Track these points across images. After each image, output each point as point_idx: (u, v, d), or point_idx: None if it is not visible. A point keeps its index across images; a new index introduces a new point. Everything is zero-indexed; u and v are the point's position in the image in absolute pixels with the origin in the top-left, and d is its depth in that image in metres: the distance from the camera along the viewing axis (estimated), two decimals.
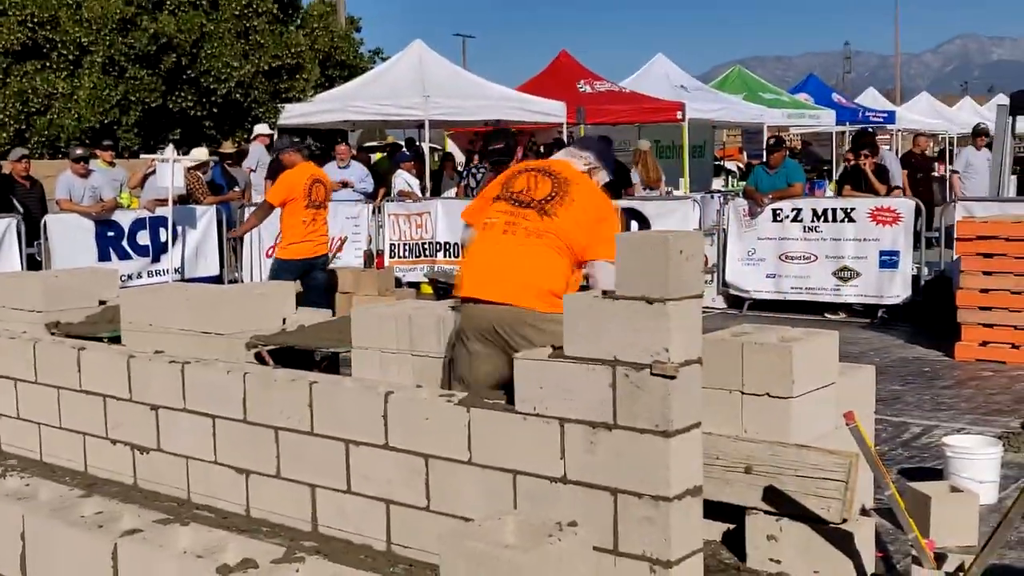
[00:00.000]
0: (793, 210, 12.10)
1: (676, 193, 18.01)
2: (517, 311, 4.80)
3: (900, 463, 6.18)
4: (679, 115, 19.16)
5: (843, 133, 29.91)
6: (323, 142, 21.86)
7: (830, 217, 11.87)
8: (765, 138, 23.21)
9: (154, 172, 12.62)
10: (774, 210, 12.19)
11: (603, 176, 5.17)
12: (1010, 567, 4.58)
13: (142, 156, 14.57)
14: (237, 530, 3.73)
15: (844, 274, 11.74)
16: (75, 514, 3.35)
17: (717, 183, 25.13)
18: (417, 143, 20.52)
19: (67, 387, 6.00)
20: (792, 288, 12.12)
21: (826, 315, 11.82)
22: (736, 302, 12.51)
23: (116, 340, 6.82)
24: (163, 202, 12.28)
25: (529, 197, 4.96)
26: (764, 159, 14.69)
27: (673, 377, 3.79)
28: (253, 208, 13.62)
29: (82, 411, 5.92)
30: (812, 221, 11.97)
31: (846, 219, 11.76)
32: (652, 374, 3.82)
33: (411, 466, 4.52)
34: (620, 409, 3.91)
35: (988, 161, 12.76)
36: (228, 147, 15.16)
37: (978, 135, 12.86)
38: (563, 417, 4.06)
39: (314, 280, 10.11)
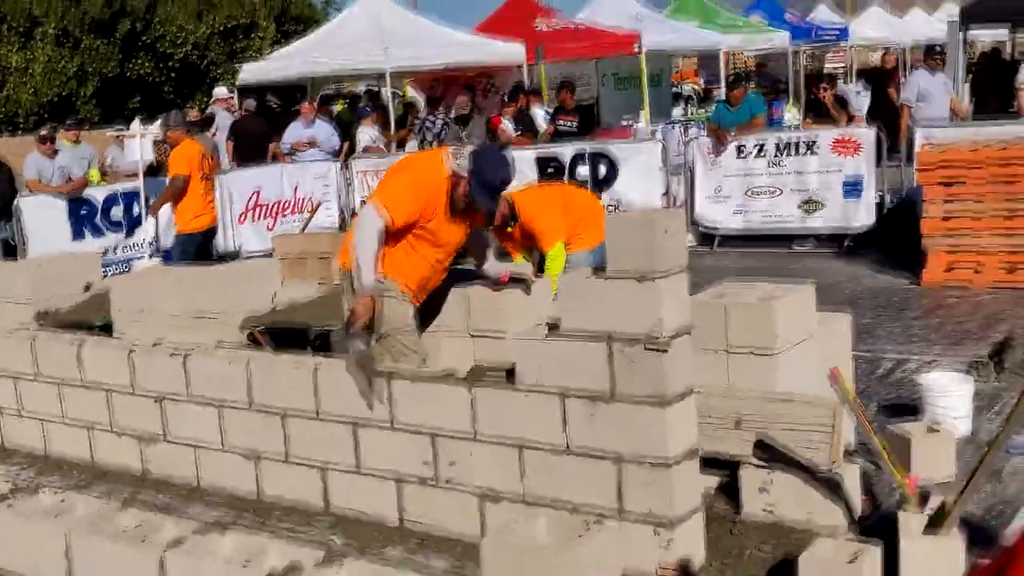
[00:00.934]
0: (757, 145, 12.28)
1: (638, 126, 18.11)
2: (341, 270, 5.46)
3: (878, 399, 6.43)
4: (636, 47, 19.19)
5: (797, 52, 30.01)
6: (280, 98, 21.77)
7: (793, 150, 12.05)
8: (722, 63, 23.32)
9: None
10: (738, 146, 12.36)
11: (462, 167, 5.16)
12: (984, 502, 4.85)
13: (108, 132, 14.53)
14: (269, 533, 3.91)
15: (809, 206, 11.96)
16: (115, 527, 3.51)
17: (677, 111, 25.20)
18: (376, 90, 20.45)
19: (69, 381, 6.15)
20: (760, 222, 12.34)
21: (794, 246, 12.03)
22: (706, 238, 12.71)
23: (107, 327, 6.94)
24: (134, 176, 12.32)
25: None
26: (724, 94, 14.82)
27: (666, 351, 4.00)
28: (221, 173, 13.70)
29: (86, 404, 6.07)
30: (776, 155, 12.16)
31: (808, 152, 11.94)
32: (646, 348, 4.03)
33: (418, 443, 4.73)
34: (618, 381, 4.13)
35: (945, 85, 12.76)
36: (194, 115, 15.11)
37: (932, 56, 12.81)
38: (563, 391, 4.27)
39: (208, 249, 11.11)
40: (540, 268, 6.96)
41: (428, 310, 5.53)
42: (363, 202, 5.46)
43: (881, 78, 19.52)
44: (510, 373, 4.53)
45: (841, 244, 11.78)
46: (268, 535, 3.44)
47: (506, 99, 15.21)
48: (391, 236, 5.13)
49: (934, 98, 12.33)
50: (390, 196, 5.15)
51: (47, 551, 3.64)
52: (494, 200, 5.34)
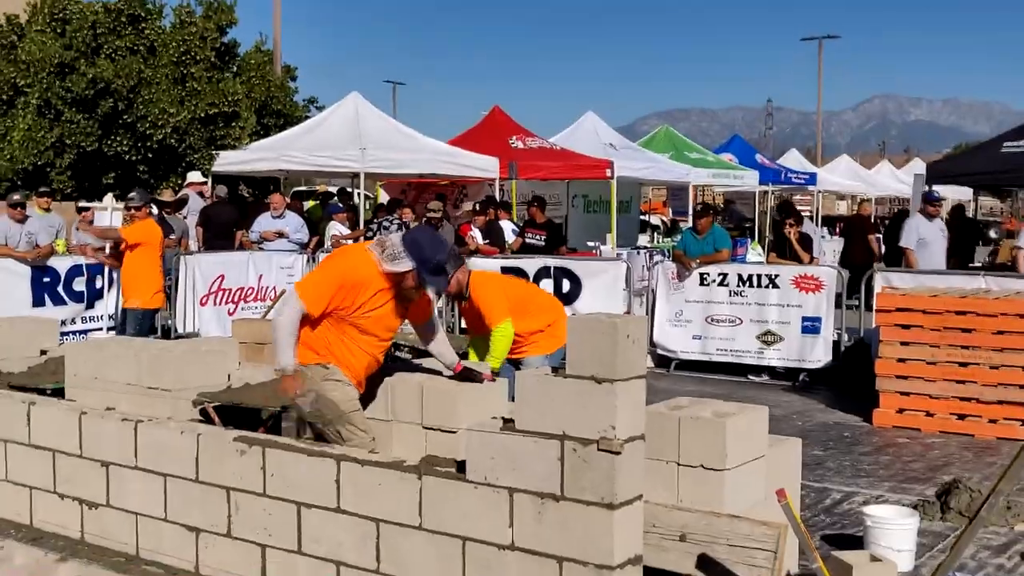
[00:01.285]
0: (720, 275, 12.48)
1: (604, 249, 18.37)
2: None
3: (822, 529, 6.46)
4: (608, 172, 19.59)
5: (766, 192, 30.67)
6: (255, 188, 21.91)
7: (755, 282, 12.27)
8: (690, 195, 23.79)
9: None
10: (701, 274, 12.56)
11: (402, 264, 5.31)
12: None
13: (80, 204, 14.56)
14: None
15: (768, 338, 12.13)
16: None
17: (643, 239, 25.60)
18: (349, 190, 20.66)
19: (15, 440, 6.08)
20: (718, 350, 12.47)
21: (750, 376, 12.17)
22: (663, 361, 12.83)
23: (59, 392, 6.89)
24: (101, 250, 12.32)
25: None
26: (691, 222, 15.08)
27: (619, 453, 4.04)
28: (188, 254, 13.74)
29: (30, 465, 5.99)
30: (738, 286, 12.36)
31: (770, 285, 12.16)
32: (599, 449, 4.06)
33: (362, 529, 4.71)
34: (568, 481, 4.15)
35: (943, 232, 13.00)
36: (168, 196, 15.20)
37: (931, 203, 13.04)
38: (512, 487, 4.28)
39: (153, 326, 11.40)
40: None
41: (364, 398, 5.62)
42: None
43: (856, 225, 20.08)
44: (461, 466, 4.54)
45: (796, 379, 11.93)
46: None
47: (477, 208, 15.41)
48: (326, 324, 5.38)
49: (931, 243, 12.63)
50: (308, 285, 5.48)
51: None
52: (444, 278, 5.48)
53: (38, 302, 11.96)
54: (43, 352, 7.74)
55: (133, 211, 11.07)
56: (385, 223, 15.60)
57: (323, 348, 5.42)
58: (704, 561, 4.74)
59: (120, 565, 5.35)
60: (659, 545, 4.80)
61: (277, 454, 4.97)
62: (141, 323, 10.67)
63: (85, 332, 12.15)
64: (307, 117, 20.51)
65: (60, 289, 12.26)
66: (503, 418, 4.50)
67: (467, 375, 5.72)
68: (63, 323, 11.41)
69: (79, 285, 12.40)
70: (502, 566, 4.29)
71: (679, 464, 4.97)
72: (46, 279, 12.14)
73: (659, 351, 12.94)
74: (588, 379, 4.09)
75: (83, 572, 3.53)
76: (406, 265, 5.30)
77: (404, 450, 5.43)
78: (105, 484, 5.62)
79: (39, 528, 5.89)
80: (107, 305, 12.29)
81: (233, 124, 18.60)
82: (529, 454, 4.22)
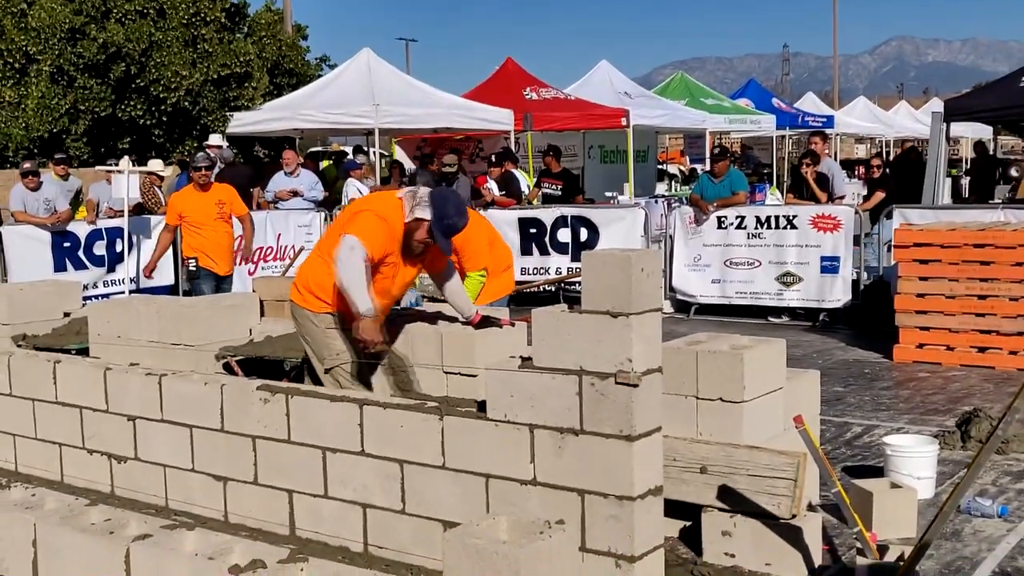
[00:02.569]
0: (737, 217, 12.46)
1: (622, 199, 18.35)
2: (290, 305, 5.81)
3: (843, 461, 6.51)
4: (623, 121, 19.51)
5: (783, 137, 30.52)
6: (271, 149, 21.93)
7: (773, 224, 12.24)
8: (707, 143, 23.66)
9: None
10: (719, 217, 12.54)
11: (424, 212, 5.40)
12: (944, 558, 4.90)
13: (96, 168, 14.60)
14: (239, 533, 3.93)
15: (787, 279, 12.13)
16: (84, 521, 3.54)
17: (661, 187, 25.53)
18: (365, 149, 20.66)
19: (42, 399, 6.16)
20: (737, 293, 12.48)
21: (769, 319, 12.18)
22: (683, 307, 12.85)
23: (84, 352, 6.97)
24: (119, 212, 12.39)
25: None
26: (708, 166, 15.04)
27: (636, 385, 4.07)
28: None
29: (58, 422, 6.07)
30: (756, 228, 12.34)
31: (788, 226, 12.13)
32: (616, 383, 4.10)
33: (387, 471, 4.76)
34: (586, 415, 4.19)
35: None
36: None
37: None
38: (532, 423, 4.33)
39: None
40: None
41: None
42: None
43: (909, 163, 20.00)
44: (481, 406, 4.59)
45: (816, 319, 11.94)
46: (232, 535, 3.46)
47: (493, 160, 15.40)
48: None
49: None
50: (364, 231, 5.34)
51: (14, 542, 3.66)
52: (449, 241, 5.57)
53: (59, 267, 12.04)
54: (66, 315, 7.82)
55: (204, 170, 11.04)
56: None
57: (335, 298, 5.47)
58: (724, 492, 4.79)
59: (128, 505, 5.43)
60: (679, 478, 4.86)
61: (300, 401, 5.02)
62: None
63: (107, 296, 12.22)
64: (319, 76, 20.49)
65: (81, 254, 12.34)
66: (521, 357, 4.54)
67: (485, 323, 5.76)
68: (85, 287, 11.48)
69: (99, 249, 12.47)
70: (525, 501, 4.35)
71: (698, 398, 5.02)
72: (67, 244, 12.22)
73: (678, 296, 12.96)
74: (604, 314, 4.12)
75: (113, 515, 3.61)
76: (426, 214, 5.38)
77: (425, 391, 5.48)
78: (132, 438, 5.69)
79: (70, 484, 5.98)
80: (128, 269, 12.35)
81: (246, 85, 18.62)
82: (547, 390, 4.26)
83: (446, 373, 5.60)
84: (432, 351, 5.70)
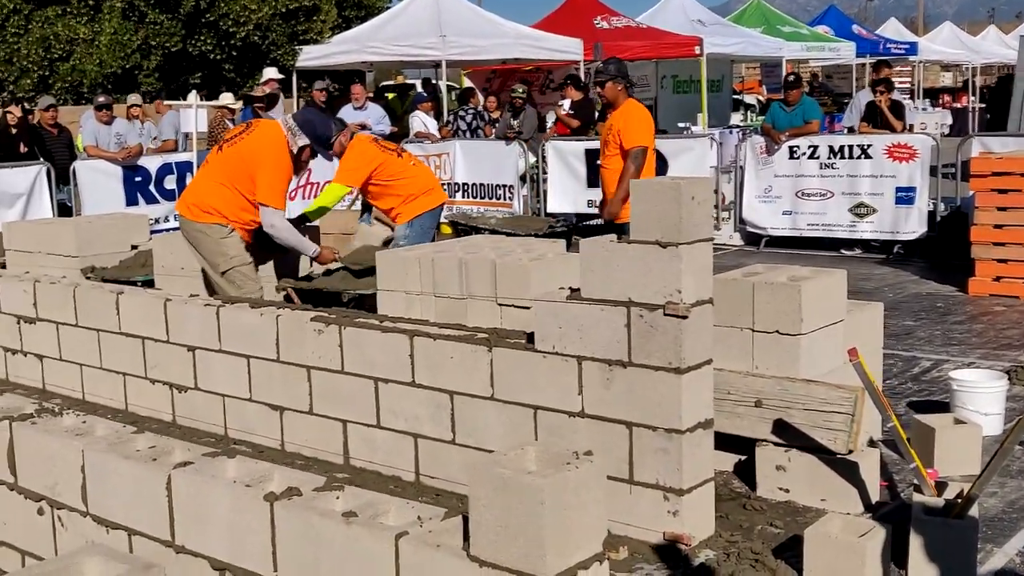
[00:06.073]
0: (810, 147, 12.17)
1: (695, 129, 18.06)
2: (182, 220, 6.56)
3: (908, 396, 6.36)
4: (697, 50, 19.12)
5: (863, 66, 29.74)
6: (341, 83, 21.92)
7: (846, 154, 11.94)
8: (783, 71, 23.14)
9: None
10: (791, 147, 12.27)
11: (300, 140, 6.39)
12: (1008, 496, 4.78)
13: (166, 103, 14.72)
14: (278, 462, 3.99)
15: (860, 210, 11.85)
16: (130, 448, 3.59)
17: (736, 118, 25.07)
18: (434, 82, 20.56)
19: (107, 329, 6.27)
20: (808, 225, 12.23)
21: (842, 251, 11.93)
22: (753, 239, 12.64)
23: (149, 284, 7.08)
24: (133, 151, 12.45)
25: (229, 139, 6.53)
26: (782, 95, 14.71)
27: (685, 317, 4.00)
28: None
29: (121, 352, 6.18)
30: (828, 158, 12.05)
31: (862, 156, 11.82)
32: (665, 314, 4.03)
33: (437, 402, 4.77)
34: (635, 347, 4.13)
35: None
36: (259, 91, 15.26)
37: None
38: (580, 355, 4.28)
39: None
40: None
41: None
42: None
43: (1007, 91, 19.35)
44: (531, 338, 4.55)
45: (890, 251, 11.67)
46: (272, 463, 3.49)
47: (567, 82, 15.29)
48: (233, 193, 6.30)
49: None
50: (273, 191, 6.33)
51: (64, 467, 3.73)
52: (330, 148, 6.79)
53: (131, 201, 12.20)
54: (134, 247, 7.92)
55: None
56: (461, 112, 15.55)
57: (231, 214, 6.31)
58: (780, 426, 4.71)
59: (189, 434, 5.53)
60: (733, 412, 4.78)
61: (353, 332, 5.03)
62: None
63: (177, 230, 12.39)
64: (388, 7, 20.38)
65: (152, 188, 12.49)
66: (571, 288, 4.48)
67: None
68: (156, 221, 11.65)
69: (170, 183, 12.60)
70: (573, 433, 4.32)
71: (754, 331, 4.91)
72: (137, 178, 12.37)
73: (748, 228, 12.75)
74: (652, 244, 4.04)
75: (158, 443, 3.66)
76: (304, 141, 6.38)
77: (478, 323, 5.45)
78: (192, 368, 5.77)
79: (134, 412, 6.11)
80: None
81: (314, 18, 18.59)
82: (596, 322, 4.21)
83: (500, 305, 5.55)
84: (486, 283, 5.65)
